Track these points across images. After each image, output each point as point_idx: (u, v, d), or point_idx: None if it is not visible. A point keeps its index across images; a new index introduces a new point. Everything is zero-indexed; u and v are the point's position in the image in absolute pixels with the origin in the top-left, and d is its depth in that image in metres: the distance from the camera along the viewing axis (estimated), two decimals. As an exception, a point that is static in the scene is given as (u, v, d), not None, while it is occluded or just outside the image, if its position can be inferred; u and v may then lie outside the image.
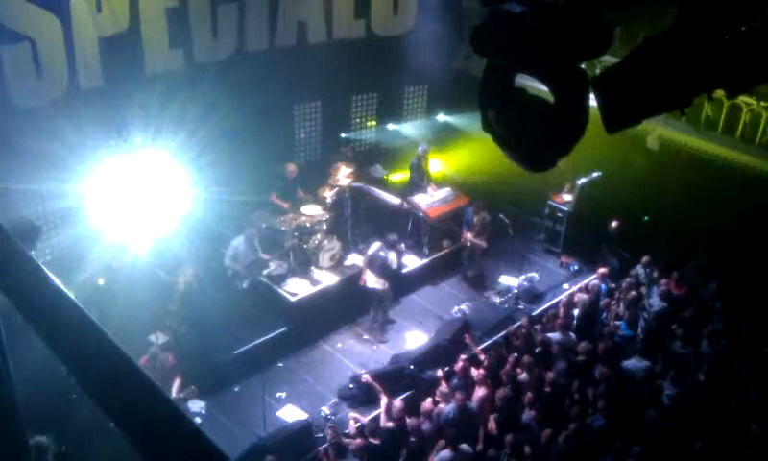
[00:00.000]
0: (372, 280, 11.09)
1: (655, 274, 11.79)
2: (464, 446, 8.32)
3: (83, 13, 10.22)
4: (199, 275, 10.90)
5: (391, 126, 15.23)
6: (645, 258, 11.96)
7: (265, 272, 11.42)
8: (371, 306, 11.33)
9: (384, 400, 9.02)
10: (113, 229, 11.16)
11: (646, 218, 13.01)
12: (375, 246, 11.19)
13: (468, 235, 12.22)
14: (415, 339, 11.14)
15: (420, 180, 13.28)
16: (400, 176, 14.00)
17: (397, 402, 9.02)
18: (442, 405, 9.10)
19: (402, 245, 12.28)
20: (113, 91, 10.61)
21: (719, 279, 11.44)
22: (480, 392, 9.13)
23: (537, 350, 10.15)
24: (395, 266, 11.59)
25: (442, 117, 15.05)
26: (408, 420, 8.82)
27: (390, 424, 8.73)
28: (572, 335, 10.45)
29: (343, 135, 14.32)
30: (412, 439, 8.67)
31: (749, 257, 11.18)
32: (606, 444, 8.40)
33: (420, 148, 13.42)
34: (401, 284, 11.88)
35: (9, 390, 1.51)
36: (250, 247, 11.31)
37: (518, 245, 12.94)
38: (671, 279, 11.57)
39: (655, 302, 11.14)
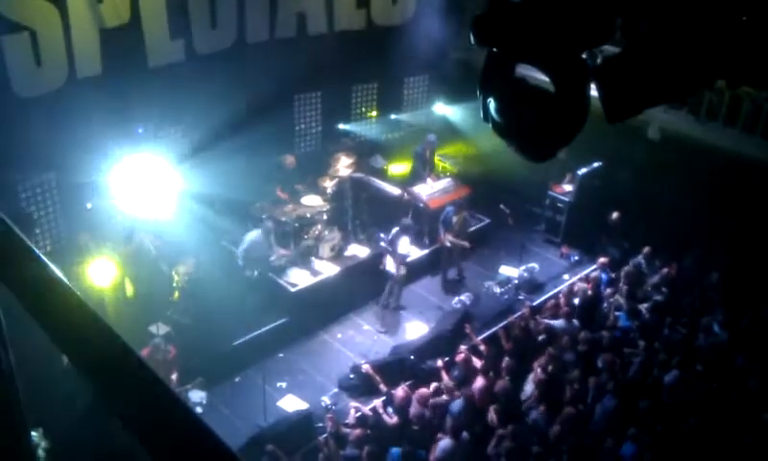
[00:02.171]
0: (390, 264, 11.22)
1: (656, 264, 11.79)
2: (464, 434, 8.36)
3: (82, 5, 10.18)
4: (200, 265, 10.92)
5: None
6: (646, 249, 11.96)
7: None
8: (386, 289, 11.48)
9: (384, 390, 9.05)
10: (114, 220, 11.18)
11: None
12: (394, 230, 11.33)
13: (448, 236, 12.08)
14: (415, 329, 11.16)
15: (422, 169, 13.26)
16: (401, 167, 13.95)
17: (399, 391, 9.06)
18: (444, 397, 9.12)
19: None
20: (114, 82, 10.59)
21: (720, 270, 11.43)
22: (478, 383, 9.14)
23: (540, 338, 10.17)
24: (410, 251, 11.58)
25: (440, 108, 14.91)
26: (411, 409, 8.87)
27: (393, 417, 8.77)
28: (576, 322, 10.47)
29: (341, 126, 14.27)
30: (415, 428, 8.70)
31: (749, 249, 11.18)
32: (615, 427, 8.44)
33: (426, 138, 13.38)
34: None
35: (11, 384, 1.51)
36: (266, 241, 11.29)
37: (518, 235, 12.94)
38: (671, 269, 11.58)
39: (654, 293, 11.15)
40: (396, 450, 8.22)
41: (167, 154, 11.05)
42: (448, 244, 12.10)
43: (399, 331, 11.23)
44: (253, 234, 11.19)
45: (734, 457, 8.35)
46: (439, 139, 14.02)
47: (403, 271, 11.38)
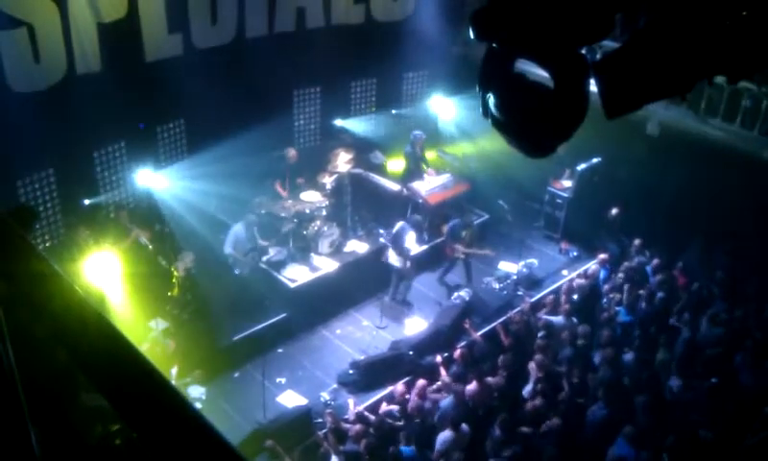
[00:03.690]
0: (394, 258, 11.26)
1: (654, 260, 11.80)
2: (464, 426, 8.41)
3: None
4: (199, 261, 10.92)
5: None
6: (637, 242, 11.99)
7: (264, 258, 11.44)
8: (391, 283, 11.52)
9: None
10: (115, 214, 11.19)
11: None
12: (399, 224, 11.36)
13: (460, 248, 11.91)
14: (414, 325, 11.17)
15: (416, 167, 13.25)
16: (399, 163, 13.92)
17: (399, 387, 9.08)
18: (437, 396, 9.13)
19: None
20: (113, 78, 10.57)
21: (723, 267, 11.44)
22: (471, 386, 9.12)
23: (540, 334, 10.19)
24: (414, 246, 11.58)
25: (437, 102, 14.80)
26: (410, 403, 8.90)
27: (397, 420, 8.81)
28: (574, 320, 10.48)
29: (340, 122, 14.24)
30: (417, 420, 8.73)
31: (749, 244, 11.18)
32: (609, 433, 8.43)
33: (412, 135, 13.35)
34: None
35: (11, 377, 1.51)
36: (249, 234, 11.33)
37: (518, 231, 12.95)
38: (676, 269, 11.58)
39: (654, 287, 11.16)
40: (408, 449, 8.26)
41: (165, 147, 11.08)
42: (461, 256, 11.96)
43: (399, 327, 11.24)
44: (236, 229, 11.21)
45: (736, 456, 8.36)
46: (437, 135, 13.99)
47: (407, 265, 11.38)
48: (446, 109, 14.27)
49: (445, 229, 12.20)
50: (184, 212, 11.17)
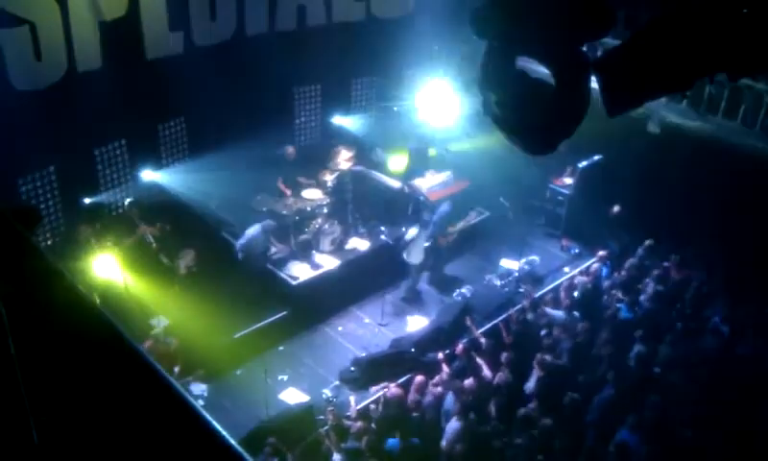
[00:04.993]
0: (407, 256, 11.50)
1: (657, 258, 11.79)
2: (471, 415, 8.43)
3: (81, -3, 10.16)
4: (200, 258, 10.93)
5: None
6: (647, 242, 11.97)
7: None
8: (407, 277, 11.72)
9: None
10: (126, 210, 11.21)
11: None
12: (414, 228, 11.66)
13: (449, 230, 12.01)
14: (416, 322, 11.18)
15: (418, 164, 13.25)
16: (400, 161, 13.91)
17: (393, 389, 9.05)
18: (437, 390, 9.14)
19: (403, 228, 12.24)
20: (114, 75, 10.57)
21: (721, 263, 11.43)
22: (469, 381, 9.12)
23: (543, 332, 10.19)
24: (424, 242, 11.65)
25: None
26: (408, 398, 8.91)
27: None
28: (576, 314, 10.48)
29: (340, 120, 14.22)
30: (415, 414, 8.73)
31: (750, 242, 11.17)
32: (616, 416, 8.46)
33: (420, 132, 13.37)
34: (402, 267, 11.89)
35: (12, 372, 1.52)
36: (265, 238, 11.31)
37: (519, 228, 12.94)
38: (672, 263, 11.58)
39: (655, 285, 11.15)
40: (393, 441, 8.25)
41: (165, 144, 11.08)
42: (451, 239, 12.04)
43: (400, 324, 11.25)
44: (252, 230, 11.20)
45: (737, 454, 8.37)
46: (437, 132, 13.98)
47: (419, 260, 11.50)
48: (447, 105, 14.22)
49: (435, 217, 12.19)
50: (186, 210, 11.18)
